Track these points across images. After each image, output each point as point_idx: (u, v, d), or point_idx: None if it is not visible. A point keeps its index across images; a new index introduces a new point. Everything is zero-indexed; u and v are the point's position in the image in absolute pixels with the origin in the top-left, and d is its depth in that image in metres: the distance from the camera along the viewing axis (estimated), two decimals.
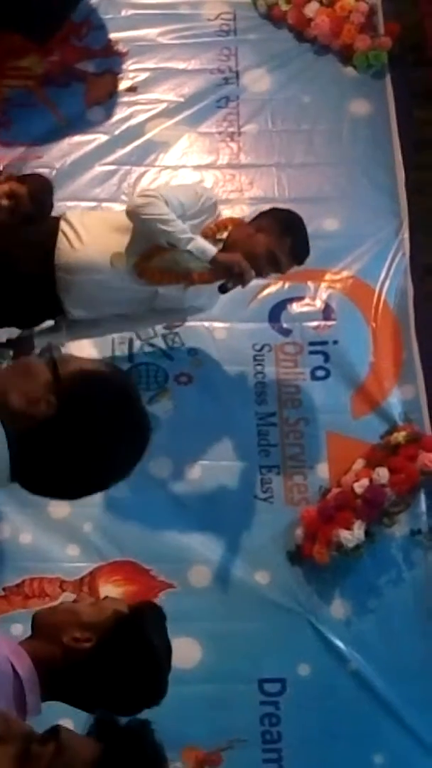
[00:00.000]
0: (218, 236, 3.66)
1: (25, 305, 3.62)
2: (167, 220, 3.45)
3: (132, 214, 3.54)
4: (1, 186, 3.90)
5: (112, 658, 2.08)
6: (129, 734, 1.69)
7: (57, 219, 3.71)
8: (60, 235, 3.62)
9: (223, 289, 3.56)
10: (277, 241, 3.61)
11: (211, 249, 3.52)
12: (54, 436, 1.80)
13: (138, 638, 2.14)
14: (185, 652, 3.59)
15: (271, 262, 3.63)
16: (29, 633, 2.18)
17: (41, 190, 3.95)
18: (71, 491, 1.92)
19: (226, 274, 3.53)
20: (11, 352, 3.65)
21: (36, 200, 3.92)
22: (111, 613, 2.16)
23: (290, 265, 3.70)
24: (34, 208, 3.91)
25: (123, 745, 1.65)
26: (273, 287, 4.27)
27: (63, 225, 3.64)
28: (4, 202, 3.84)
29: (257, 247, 3.57)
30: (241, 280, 3.53)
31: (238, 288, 3.58)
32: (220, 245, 3.61)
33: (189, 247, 3.50)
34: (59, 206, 4.12)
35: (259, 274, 3.62)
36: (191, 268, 3.59)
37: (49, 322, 3.77)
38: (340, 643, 3.76)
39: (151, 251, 3.58)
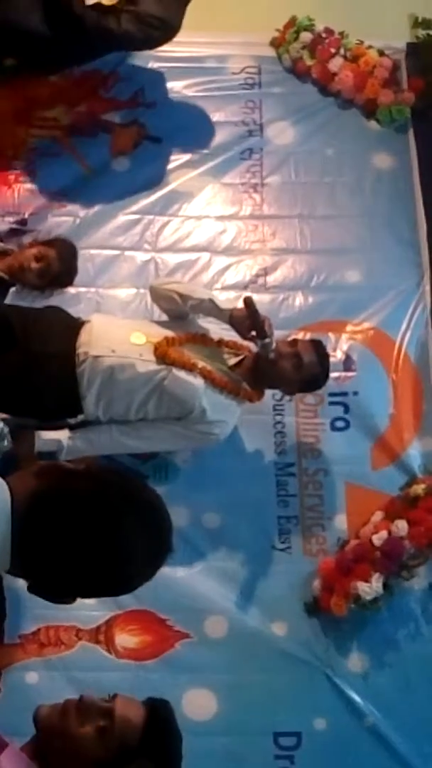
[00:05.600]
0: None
1: (46, 392, 3.64)
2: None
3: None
4: (29, 250, 3.97)
5: None
6: None
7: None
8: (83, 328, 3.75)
9: (265, 352, 3.67)
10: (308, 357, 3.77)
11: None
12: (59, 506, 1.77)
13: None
14: (201, 704, 3.58)
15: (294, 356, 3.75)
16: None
17: (69, 253, 4.01)
18: (67, 579, 1.82)
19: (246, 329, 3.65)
20: (7, 430, 3.64)
21: (64, 261, 3.98)
22: None
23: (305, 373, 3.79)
24: (62, 269, 3.97)
25: None
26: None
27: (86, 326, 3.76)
28: (34, 264, 3.89)
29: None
30: (262, 328, 3.62)
31: None
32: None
33: (208, 296, 3.73)
34: (83, 254, 4.17)
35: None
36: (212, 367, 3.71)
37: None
38: (357, 697, 3.73)
39: (178, 338, 3.72)
